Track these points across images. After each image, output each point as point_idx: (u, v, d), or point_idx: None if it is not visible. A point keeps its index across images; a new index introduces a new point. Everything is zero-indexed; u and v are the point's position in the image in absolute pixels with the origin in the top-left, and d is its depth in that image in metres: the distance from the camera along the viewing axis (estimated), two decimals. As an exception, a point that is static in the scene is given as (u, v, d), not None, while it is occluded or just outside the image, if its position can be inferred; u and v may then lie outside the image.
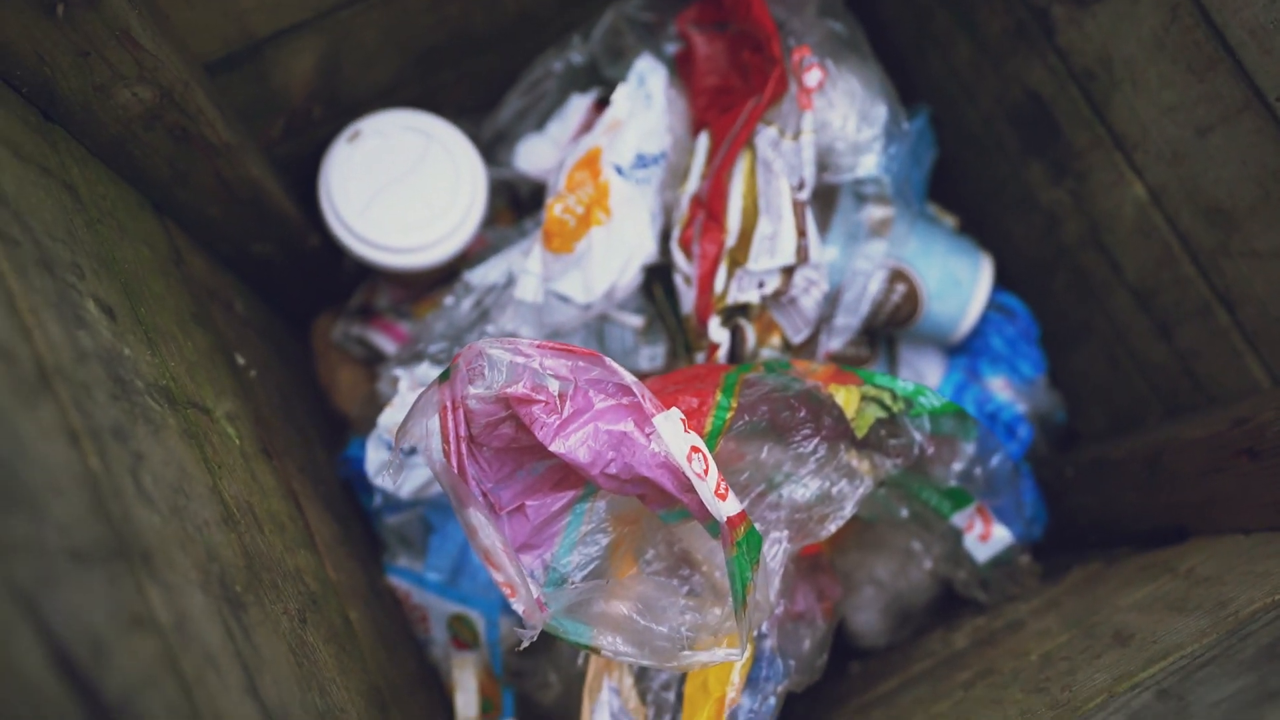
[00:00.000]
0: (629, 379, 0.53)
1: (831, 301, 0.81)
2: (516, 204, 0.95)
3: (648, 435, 0.52)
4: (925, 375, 0.90)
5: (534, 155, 0.89)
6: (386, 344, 0.88)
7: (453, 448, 0.53)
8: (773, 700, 0.64)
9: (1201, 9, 0.56)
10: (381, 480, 0.73)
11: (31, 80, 0.51)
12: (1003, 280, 0.89)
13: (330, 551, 0.65)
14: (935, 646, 0.77)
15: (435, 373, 0.77)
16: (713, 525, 0.54)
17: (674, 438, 0.52)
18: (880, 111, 0.77)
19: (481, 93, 0.88)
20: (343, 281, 0.91)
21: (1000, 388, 0.86)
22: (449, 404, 0.53)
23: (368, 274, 0.90)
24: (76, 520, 0.34)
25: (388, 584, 0.77)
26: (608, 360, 0.53)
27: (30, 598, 0.29)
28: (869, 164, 0.78)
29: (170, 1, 0.61)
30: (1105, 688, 0.51)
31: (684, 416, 0.53)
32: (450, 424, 0.53)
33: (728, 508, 0.53)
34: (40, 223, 0.45)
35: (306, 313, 0.92)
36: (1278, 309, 0.61)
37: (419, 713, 0.67)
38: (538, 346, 0.53)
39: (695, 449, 0.53)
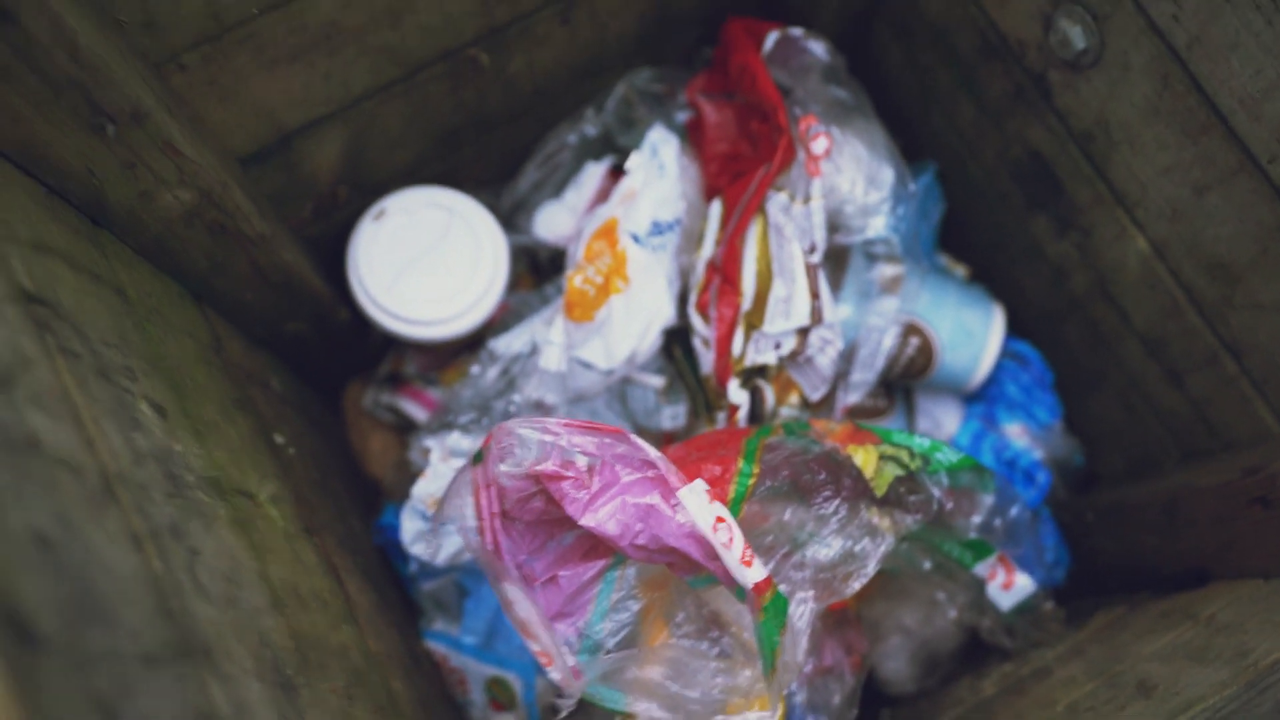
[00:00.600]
0: (653, 454, 0.55)
1: (847, 358, 0.83)
2: (536, 268, 0.97)
3: (673, 507, 0.54)
4: (943, 423, 0.92)
5: (552, 222, 0.90)
6: (416, 411, 0.90)
7: (487, 524, 0.55)
8: (802, 756, 0.65)
9: (1192, 78, 0.58)
10: (418, 550, 0.75)
11: (82, 192, 0.53)
12: (1015, 328, 0.90)
13: (370, 622, 0.67)
14: (964, 694, 0.78)
15: (465, 442, 0.79)
16: (739, 591, 0.55)
17: (699, 509, 0.54)
18: (887, 174, 0.79)
19: (500, 166, 0.90)
20: (370, 350, 0.93)
21: (1017, 434, 0.88)
22: (482, 483, 0.55)
23: (394, 342, 0.92)
24: (145, 624, 0.36)
25: (425, 648, 0.79)
26: (632, 436, 0.55)
27: (109, 706, 0.31)
28: (878, 225, 0.79)
29: (205, 105, 0.64)
30: (1131, 740, 0.52)
31: (708, 487, 0.55)
32: (484, 501, 0.55)
33: (753, 574, 0.54)
34: (96, 331, 0.48)
35: (337, 381, 0.94)
36: (1281, 358, 0.62)
37: (460, 778, 0.69)
38: (564, 425, 0.55)
39: (720, 519, 0.54)
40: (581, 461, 0.55)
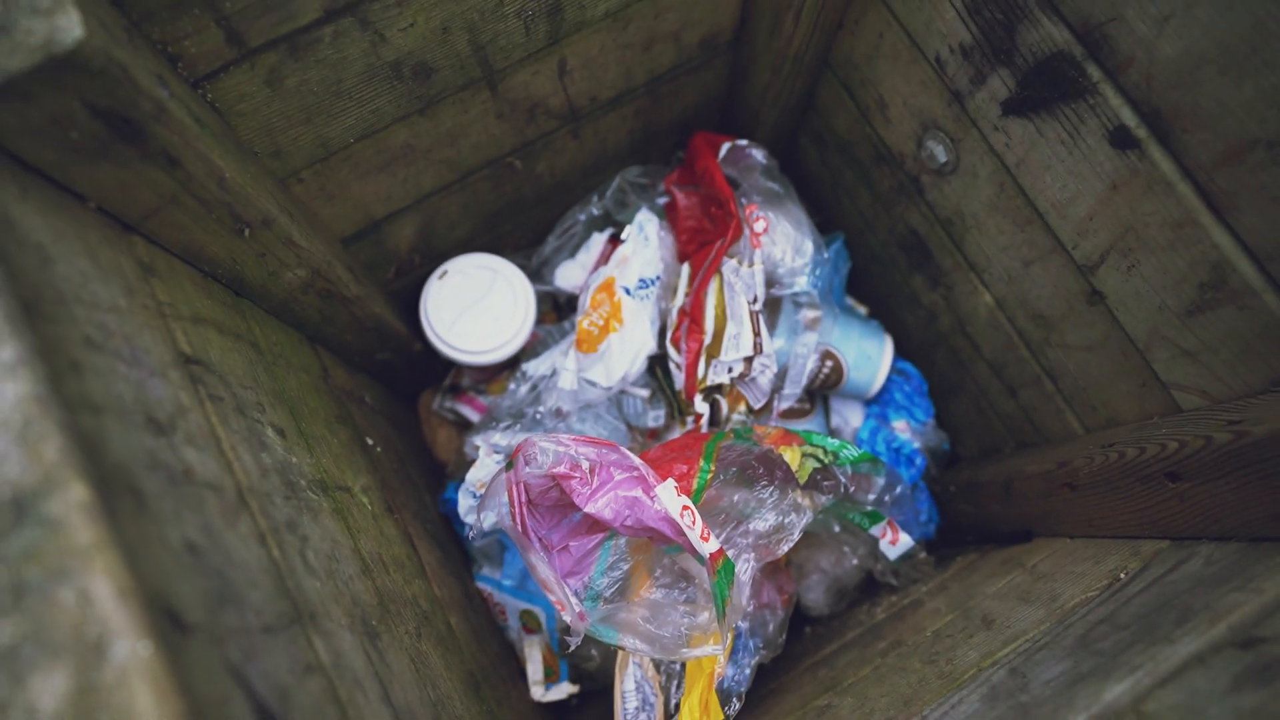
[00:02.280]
0: (637, 461, 0.55)
1: (780, 376, 0.82)
2: (557, 307, 0.97)
3: (652, 499, 0.54)
4: (850, 420, 0.91)
5: (568, 275, 0.90)
6: (470, 413, 0.90)
7: (517, 512, 0.55)
8: (748, 670, 0.65)
9: (1019, 186, 0.57)
10: (469, 520, 0.75)
11: (228, 274, 0.53)
12: (901, 352, 0.89)
13: (435, 574, 0.66)
14: (863, 618, 0.78)
15: (504, 439, 0.78)
16: (700, 558, 0.56)
17: (670, 500, 0.54)
18: (808, 246, 0.79)
19: (531, 236, 0.89)
20: (439, 368, 0.93)
21: (902, 428, 0.87)
22: (513, 483, 0.55)
23: (455, 364, 0.92)
24: (266, 602, 0.36)
25: (476, 588, 0.79)
26: (622, 449, 0.55)
27: (238, 671, 0.31)
28: (802, 282, 0.79)
29: (317, 204, 0.63)
30: (975, 663, 0.51)
31: (677, 484, 0.55)
32: (515, 495, 0.55)
33: (709, 547, 0.55)
34: (235, 378, 0.48)
35: (414, 392, 0.94)
36: (1084, 382, 0.61)
37: (501, 685, 0.68)
38: (573, 439, 0.55)
39: (686, 508, 0.54)
40: (585, 465, 0.55)
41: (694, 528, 0.54)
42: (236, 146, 0.51)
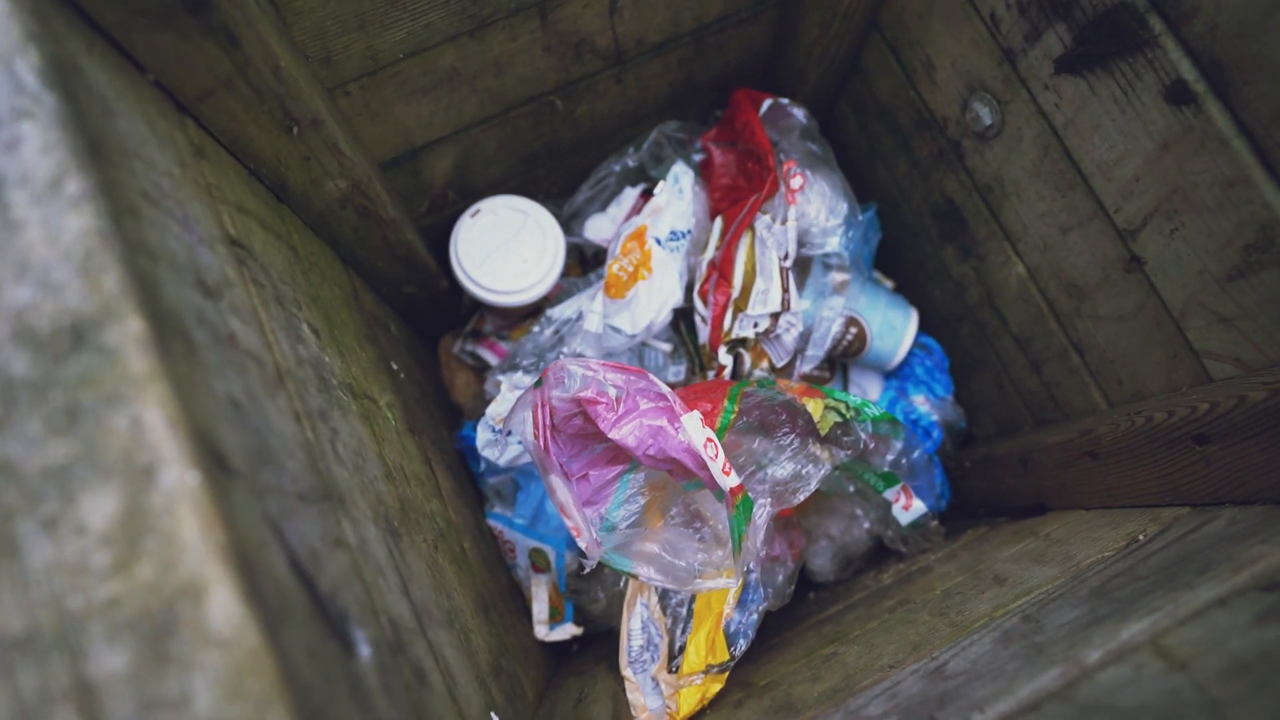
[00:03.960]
0: (665, 389, 0.55)
1: (804, 338, 0.82)
2: (583, 261, 0.97)
3: (677, 429, 0.54)
4: (869, 391, 0.91)
5: (598, 228, 0.90)
6: (490, 357, 0.90)
7: (541, 432, 0.55)
8: (755, 616, 0.65)
9: (1065, 148, 0.57)
10: (488, 453, 0.75)
11: (271, 175, 0.53)
12: (925, 327, 0.89)
13: (451, 500, 0.67)
14: (869, 582, 0.78)
15: (527, 379, 0.79)
16: (719, 493, 0.56)
17: (695, 431, 0.54)
18: (842, 207, 0.79)
19: (565, 183, 0.89)
20: (461, 312, 0.93)
21: (921, 402, 0.87)
22: (539, 402, 0.55)
23: (479, 307, 0.92)
24: (301, 473, 0.37)
25: (488, 525, 0.79)
26: (650, 375, 0.56)
27: (275, 523, 0.32)
28: (834, 243, 0.79)
29: (360, 122, 0.64)
30: (986, 613, 0.52)
31: (703, 416, 0.55)
32: (540, 416, 0.55)
33: (730, 481, 0.55)
34: (276, 271, 0.48)
35: (437, 333, 0.94)
36: (1112, 355, 0.61)
37: (508, 614, 0.69)
38: (602, 364, 0.56)
39: (710, 440, 0.54)
40: (612, 392, 0.55)
41: (716, 460, 0.54)
42: (291, 45, 0.51)
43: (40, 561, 0.27)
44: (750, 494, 0.60)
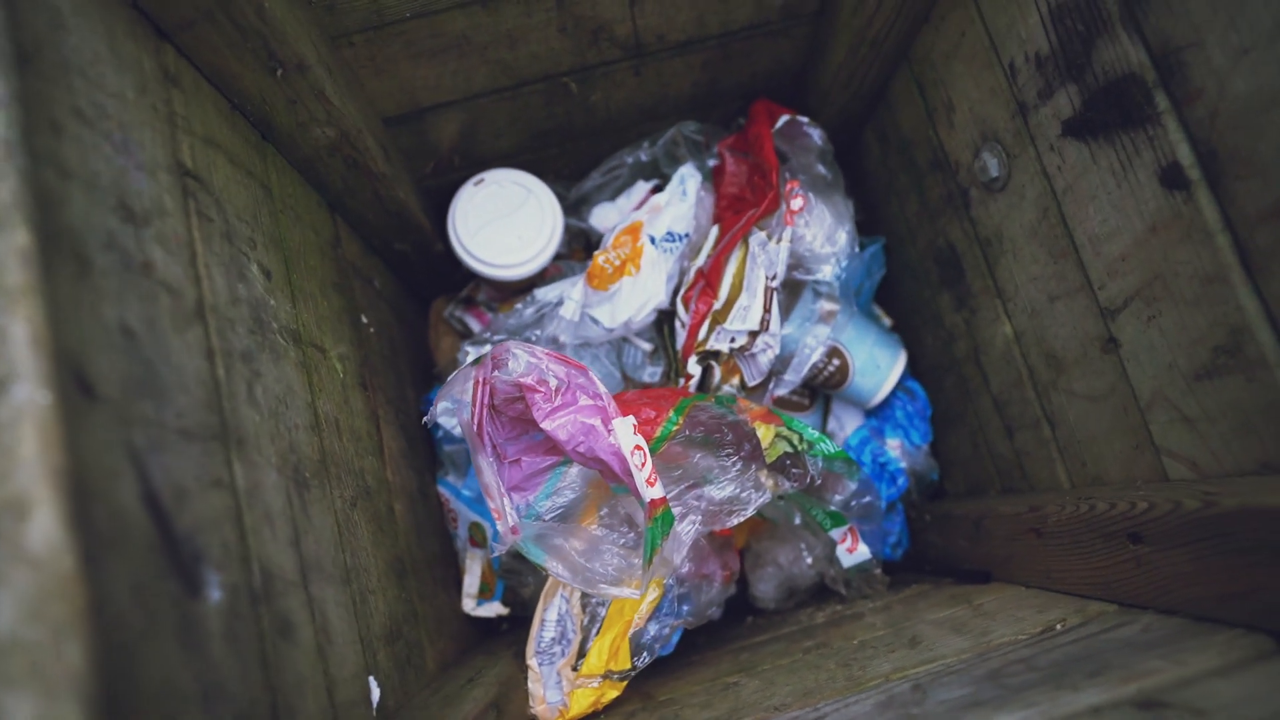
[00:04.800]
0: (601, 390, 0.54)
1: (784, 362, 0.81)
2: (589, 247, 0.97)
3: (608, 431, 0.54)
4: (846, 425, 0.90)
5: (604, 217, 0.89)
6: (475, 325, 0.90)
7: (477, 411, 0.55)
8: (667, 630, 0.65)
9: (1061, 214, 0.55)
10: (444, 420, 0.76)
11: (256, 113, 0.54)
12: (914, 371, 0.87)
13: (393, 461, 0.67)
14: (803, 618, 0.77)
15: (497, 354, 0.79)
16: (642, 502, 0.55)
17: (625, 436, 0.53)
18: (842, 237, 0.77)
19: (575, 166, 0.89)
20: (456, 279, 0.93)
21: (894, 447, 0.85)
22: (480, 380, 0.55)
23: (475, 275, 0.92)
24: (193, 410, 0.37)
25: (437, 491, 0.79)
26: (591, 373, 0.55)
27: (138, 454, 0.32)
28: (827, 271, 0.78)
29: (365, 74, 0.64)
30: (885, 674, 0.50)
31: (636, 423, 0.55)
32: (479, 394, 0.55)
33: (653, 492, 0.54)
34: (234, 208, 0.48)
35: (432, 294, 0.95)
36: (1080, 434, 0.59)
37: (431, 584, 0.69)
38: (547, 354, 0.55)
39: (638, 447, 0.54)
40: (553, 382, 0.54)
41: (642, 469, 0.53)
42: (290, -14, 0.51)
43: (-119, 452, 0.27)
44: (683, 508, 0.59)
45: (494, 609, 0.77)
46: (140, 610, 0.29)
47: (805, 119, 0.79)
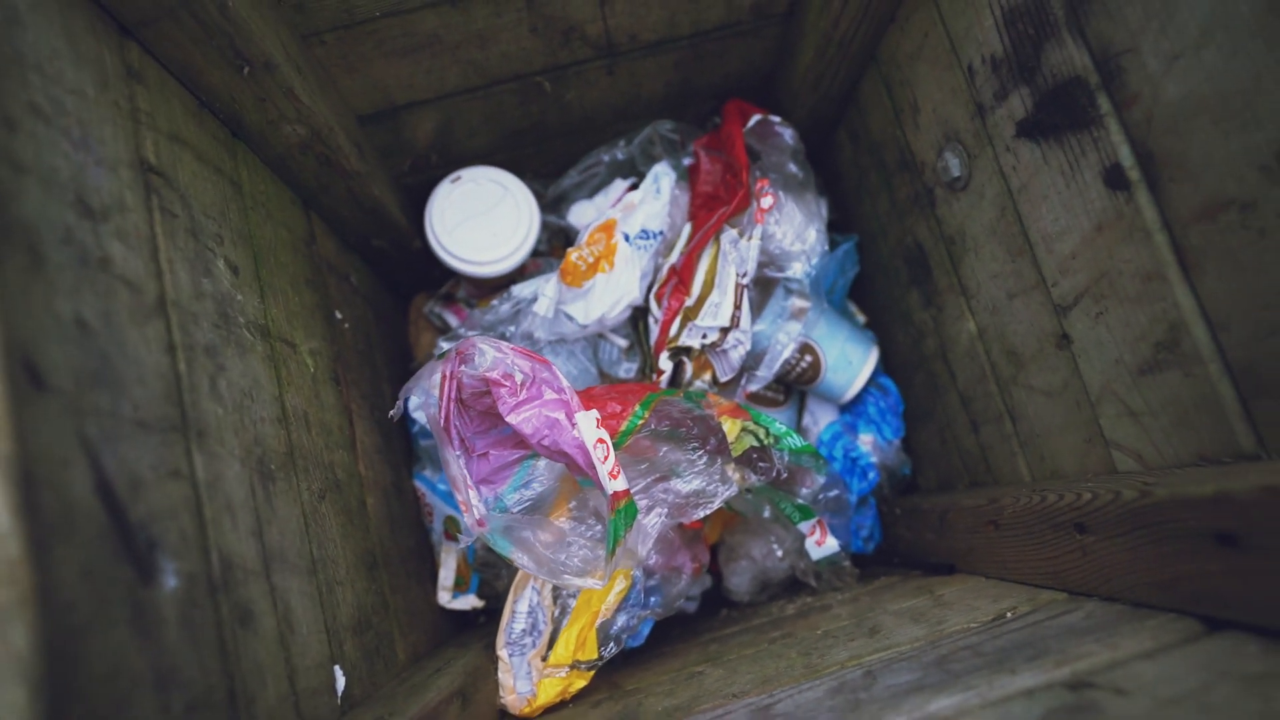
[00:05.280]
0: (565, 384, 0.55)
1: (756, 358, 0.82)
2: (568, 244, 0.97)
3: (572, 425, 0.54)
4: (821, 421, 0.91)
5: (582, 214, 0.90)
6: (454, 321, 0.91)
7: (443, 406, 0.56)
8: (636, 621, 0.66)
9: (1017, 213, 0.56)
10: (418, 414, 0.77)
11: (226, 110, 0.54)
12: (886, 368, 0.88)
13: (366, 455, 0.68)
14: (774, 610, 0.78)
15: (472, 350, 0.80)
16: (605, 494, 0.56)
17: (588, 430, 0.54)
18: (812, 235, 0.78)
19: (552, 165, 0.89)
20: (436, 275, 0.93)
21: (866, 442, 0.86)
22: (447, 374, 0.56)
23: (451, 271, 0.93)
24: (148, 401, 0.38)
25: (412, 485, 0.80)
26: (554, 368, 0.56)
27: (91, 444, 0.33)
28: (797, 269, 0.79)
29: (338, 72, 0.64)
30: (840, 662, 0.51)
31: (599, 417, 0.56)
32: (446, 388, 0.56)
33: (616, 485, 0.55)
34: (200, 204, 0.49)
35: (411, 290, 0.96)
36: (1039, 428, 0.60)
37: (404, 577, 0.70)
38: (513, 349, 0.56)
39: (601, 440, 0.55)
40: (518, 377, 0.55)
41: (605, 463, 0.54)
42: (257, -14, 0.52)
43: None
44: (649, 501, 0.60)
45: (469, 602, 0.78)
46: (90, 596, 0.30)
47: (777, 118, 0.80)
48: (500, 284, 0.89)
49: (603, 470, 0.54)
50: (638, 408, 0.61)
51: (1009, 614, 0.51)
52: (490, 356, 0.55)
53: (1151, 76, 0.41)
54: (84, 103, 0.39)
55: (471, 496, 0.56)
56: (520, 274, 0.88)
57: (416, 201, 0.85)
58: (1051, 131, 0.50)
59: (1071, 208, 0.50)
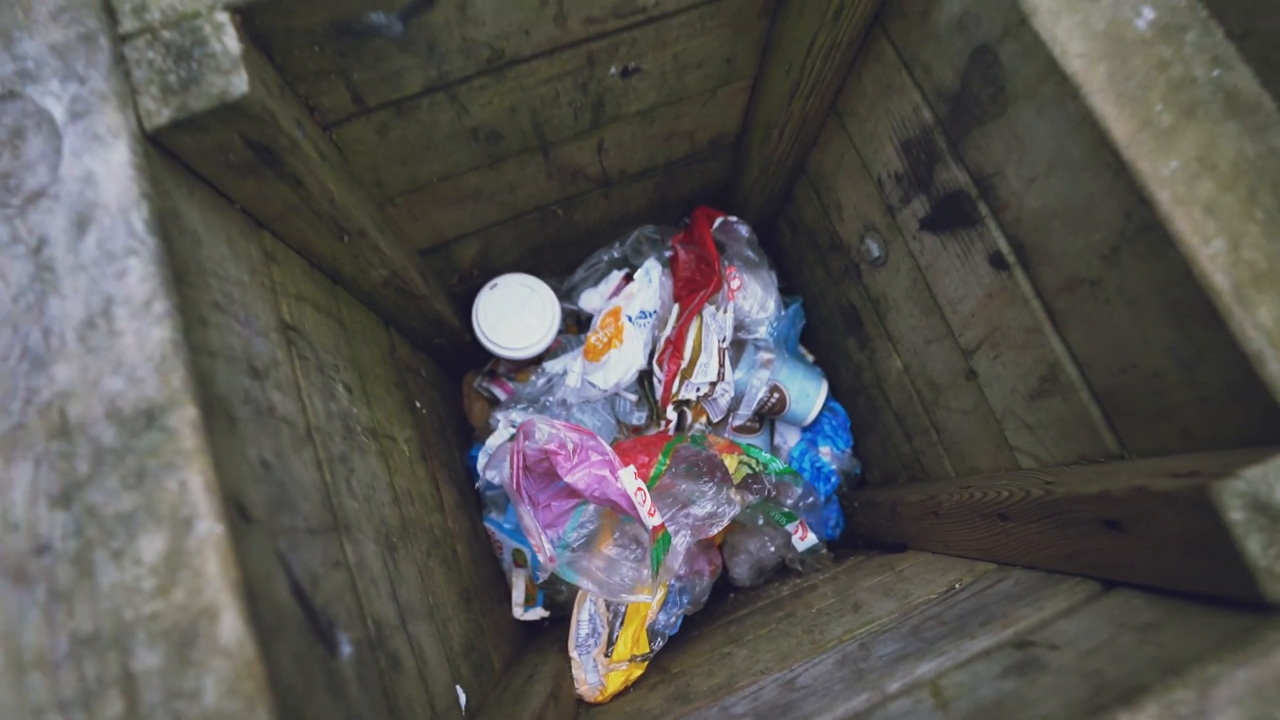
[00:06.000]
0: (608, 449, 0.58)
1: (737, 400, 0.85)
2: (579, 322, 1.00)
3: (616, 479, 0.57)
4: (788, 440, 0.93)
5: (590, 299, 0.93)
6: (500, 393, 0.93)
7: (515, 474, 0.58)
8: (674, 618, 0.67)
9: (927, 283, 0.60)
10: (484, 474, 0.78)
11: (329, 267, 0.57)
12: (834, 394, 0.92)
13: (451, 511, 0.69)
14: (773, 592, 0.80)
15: (521, 417, 0.82)
16: (646, 529, 0.58)
17: (629, 482, 0.57)
18: (771, 304, 0.82)
19: (565, 264, 0.92)
20: (481, 357, 0.95)
21: (826, 453, 0.89)
22: (515, 451, 0.58)
23: (494, 356, 0.95)
24: (314, 512, 0.40)
25: (484, 527, 0.81)
26: (599, 438, 0.58)
27: (283, 557, 0.35)
28: (762, 331, 0.82)
29: (404, 223, 0.67)
30: (839, 636, 0.54)
31: (636, 470, 0.58)
32: (515, 461, 0.58)
33: (654, 521, 0.57)
34: (321, 344, 0.51)
35: (461, 371, 0.97)
36: (958, 438, 0.63)
37: (490, 602, 0.71)
38: (565, 425, 0.58)
39: (639, 489, 0.57)
40: (570, 445, 0.58)
41: (644, 505, 0.56)
42: (349, 175, 0.55)
43: (107, 582, 0.30)
44: (675, 526, 0.63)
45: (538, 613, 0.79)
46: (301, 674, 0.32)
47: (735, 218, 0.84)
48: (529, 362, 0.92)
49: (643, 511, 0.57)
50: (660, 456, 0.64)
51: (957, 585, 0.54)
52: (546, 432, 0.58)
53: (1016, 192, 0.45)
54: (244, 289, 0.41)
55: (543, 540, 0.59)
56: (547, 352, 0.90)
57: (464, 305, 0.87)
58: (946, 227, 0.54)
59: (967, 280, 0.54)
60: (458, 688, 0.51)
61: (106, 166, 0.34)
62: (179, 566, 0.30)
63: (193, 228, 0.38)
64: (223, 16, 0.37)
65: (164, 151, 0.38)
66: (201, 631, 0.29)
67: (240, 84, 0.37)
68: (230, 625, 0.29)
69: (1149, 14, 0.41)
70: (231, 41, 0.37)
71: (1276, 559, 0.32)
